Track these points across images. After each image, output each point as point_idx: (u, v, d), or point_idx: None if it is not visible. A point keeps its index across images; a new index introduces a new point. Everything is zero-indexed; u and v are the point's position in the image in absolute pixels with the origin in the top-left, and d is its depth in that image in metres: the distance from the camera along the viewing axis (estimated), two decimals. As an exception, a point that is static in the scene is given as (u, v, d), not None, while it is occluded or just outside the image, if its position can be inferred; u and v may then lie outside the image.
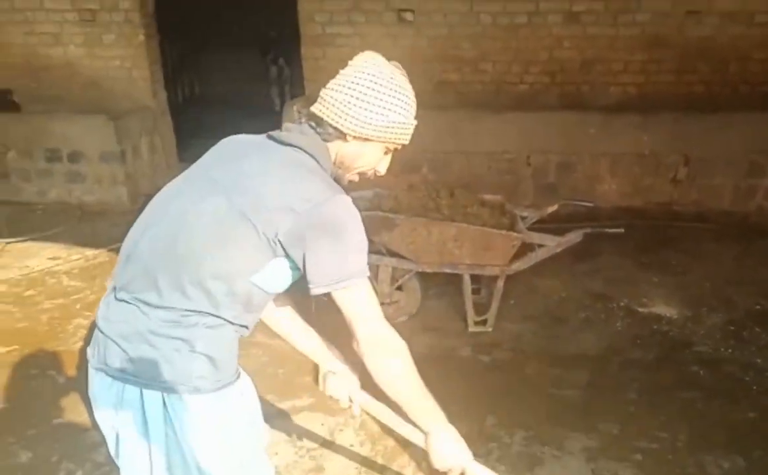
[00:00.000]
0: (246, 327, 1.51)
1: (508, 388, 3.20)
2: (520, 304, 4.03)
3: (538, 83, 6.02)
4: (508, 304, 3.91)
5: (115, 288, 1.47)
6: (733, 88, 5.81)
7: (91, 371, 1.50)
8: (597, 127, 5.57)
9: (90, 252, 4.86)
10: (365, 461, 2.69)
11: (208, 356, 1.42)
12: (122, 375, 1.41)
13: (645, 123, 5.52)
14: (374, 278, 3.63)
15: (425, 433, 1.62)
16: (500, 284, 3.60)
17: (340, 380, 1.84)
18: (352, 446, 2.78)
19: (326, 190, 1.40)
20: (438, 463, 1.62)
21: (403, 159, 5.32)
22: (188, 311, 1.39)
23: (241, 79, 10.06)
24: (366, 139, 1.51)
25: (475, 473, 1.64)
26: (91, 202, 5.95)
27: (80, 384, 2.95)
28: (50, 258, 4.79)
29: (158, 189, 1.58)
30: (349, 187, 1.54)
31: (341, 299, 1.43)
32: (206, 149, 1.62)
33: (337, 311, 1.47)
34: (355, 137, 1.51)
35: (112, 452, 1.55)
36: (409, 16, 5.89)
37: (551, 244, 3.62)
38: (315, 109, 1.53)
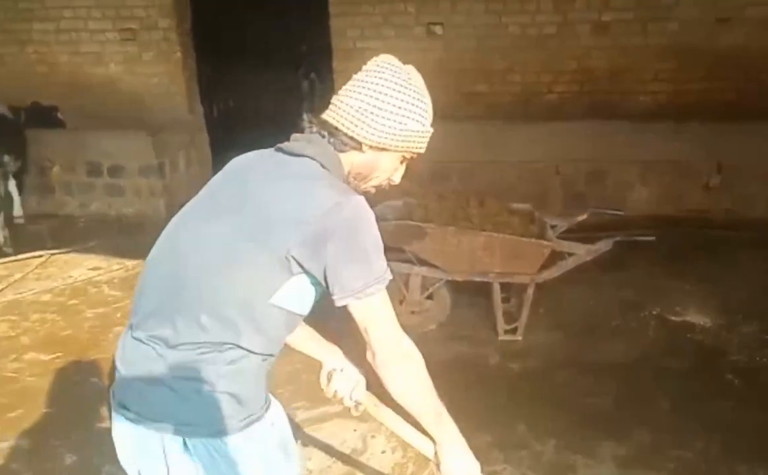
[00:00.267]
0: (272, 355, 1.42)
1: (538, 396, 3.19)
2: (549, 312, 4.03)
3: (567, 93, 6.05)
4: (538, 312, 3.91)
5: (131, 326, 1.39)
6: (766, 96, 5.74)
7: (113, 413, 1.41)
8: (627, 136, 5.56)
9: (129, 262, 5.01)
10: (397, 467, 2.71)
11: (231, 393, 1.32)
12: (141, 419, 1.33)
13: (676, 131, 5.49)
14: (404, 286, 3.68)
15: (435, 443, 1.55)
16: (530, 292, 3.61)
17: (346, 379, 1.75)
18: (383, 452, 2.80)
19: (336, 194, 1.31)
20: (445, 472, 1.54)
21: (432, 169, 5.43)
22: (207, 345, 1.29)
23: (273, 94, 10.25)
24: (383, 149, 1.43)
25: None
26: (130, 214, 6.15)
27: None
28: (91, 269, 4.96)
29: None
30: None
31: (358, 306, 1.33)
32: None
33: (340, 312, 1.36)
34: (371, 147, 1.42)
35: None
36: (438, 29, 5.98)
37: (581, 252, 3.62)
38: (327, 117, 1.44)
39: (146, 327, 1.34)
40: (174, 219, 1.46)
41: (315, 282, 1.34)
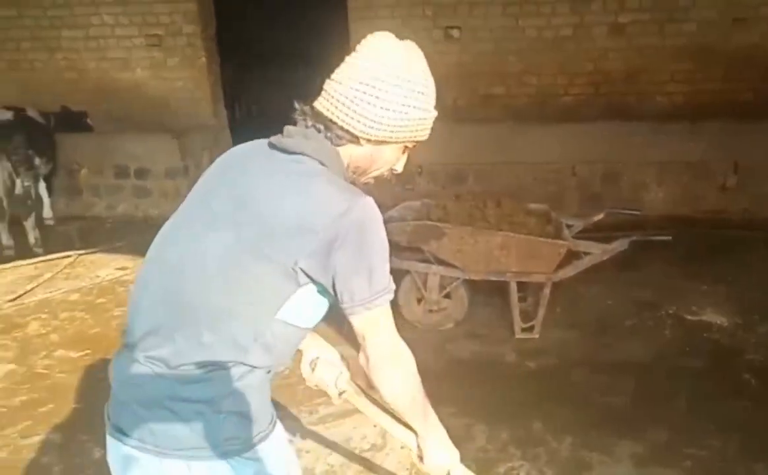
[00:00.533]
0: (278, 369, 1.35)
1: (554, 394, 3.22)
2: (566, 311, 4.05)
3: (583, 94, 6.06)
4: (554, 311, 3.94)
5: (126, 346, 1.29)
6: (783, 95, 5.72)
7: (108, 437, 1.31)
8: (643, 136, 5.56)
9: (155, 262, 5.11)
10: (415, 464, 2.77)
11: (237, 412, 1.23)
12: (140, 444, 1.22)
13: (693, 131, 5.48)
14: (423, 285, 3.75)
15: (418, 435, 1.52)
16: (546, 291, 3.64)
17: (330, 368, 1.66)
18: (403, 448, 2.78)
19: (342, 197, 1.21)
20: (429, 464, 1.52)
21: (450, 170, 5.48)
22: (210, 364, 1.21)
23: (295, 97, 10.39)
24: (382, 142, 1.30)
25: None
26: (156, 215, 6.26)
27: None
28: (118, 268, 5.07)
29: None
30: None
31: (364, 315, 1.27)
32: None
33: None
34: (369, 140, 1.30)
35: None
36: (455, 33, 6.03)
37: (597, 251, 3.65)
38: (320, 106, 1.30)
39: (144, 347, 1.24)
40: (163, 231, 1.34)
41: (322, 290, 1.25)
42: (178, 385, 1.21)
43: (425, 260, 3.68)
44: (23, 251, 5.38)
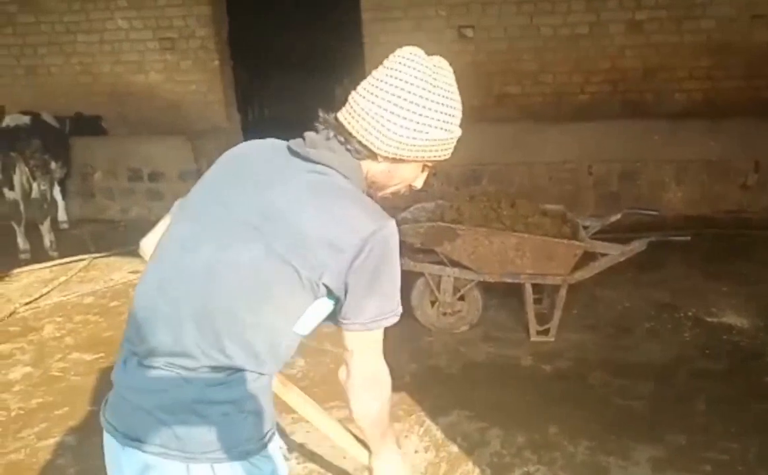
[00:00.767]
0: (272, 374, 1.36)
1: (570, 397, 3.18)
2: (582, 314, 4.01)
3: (600, 93, 6.01)
4: (571, 314, 3.89)
5: (136, 353, 1.27)
6: (805, 92, 5.62)
7: (113, 445, 1.29)
8: (661, 135, 5.50)
9: (169, 265, 5.14)
10: (429, 467, 2.72)
11: (255, 412, 1.26)
12: (164, 451, 1.21)
13: (712, 129, 5.41)
14: (436, 288, 3.72)
15: (372, 453, 1.55)
16: (562, 293, 3.60)
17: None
18: (416, 452, 2.82)
19: (370, 219, 1.21)
20: None
21: (464, 171, 5.45)
22: (231, 369, 1.22)
23: (307, 100, 10.44)
24: (400, 160, 1.30)
25: None
26: (169, 219, 6.32)
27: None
28: (132, 271, 5.10)
29: None
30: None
31: (359, 334, 1.29)
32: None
33: None
34: (386, 158, 1.29)
35: None
36: (469, 32, 6.01)
37: (614, 253, 3.60)
38: (342, 119, 1.29)
39: (163, 353, 1.22)
40: (176, 235, 1.30)
41: (334, 302, 1.26)
42: (206, 388, 1.21)
43: (439, 262, 3.65)
44: (39, 255, 5.43)
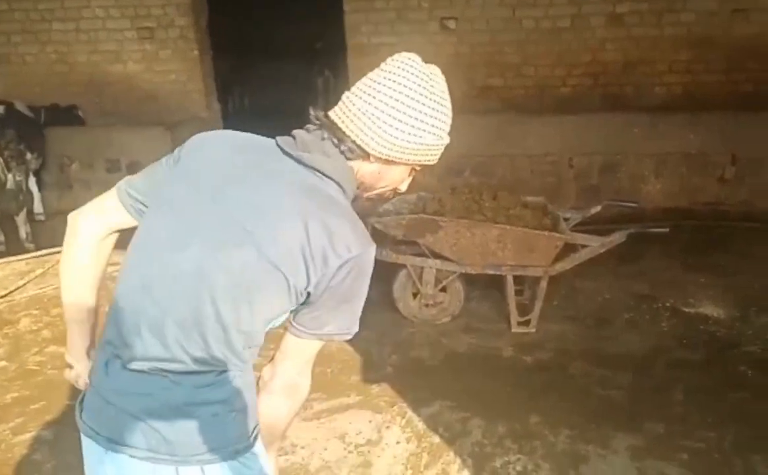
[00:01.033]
0: None
1: (551, 387, 3.22)
2: (563, 305, 4.04)
3: (581, 86, 6.04)
4: (551, 305, 3.93)
5: (119, 356, 1.24)
6: (783, 86, 5.70)
7: (95, 449, 1.27)
8: (641, 128, 5.55)
9: (148, 257, 5.09)
10: (411, 457, 2.74)
11: (243, 409, 1.26)
12: (152, 455, 1.20)
13: (691, 122, 5.47)
14: (418, 279, 3.72)
15: None
16: (543, 284, 3.62)
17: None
18: (398, 442, 2.84)
19: (358, 242, 1.23)
20: None
21: (446, 163, 5.42)
22: (218, 369, 1.23)
23: (288, 90, 10.35)
24: (391, 162, 1.31)
25: None
26: (148, 210, 6.25)
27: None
28: (110, 264, 5.04)
29: None
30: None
31: (305, 342, 1.29)
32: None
33: None
34: (378, 158, 1.29)
35: None
36: (452, 23, 6.00)
37: (594, 244, 3.63)
38: (336, 118, 1.29)
39: (148, 356, 1.21)
40: (159, 233, 1.26)
41: (305, 303, 1.27)
42: (195, 389, 1.22)
43: (421, 254, 3.65)
44: (14, 247, 5.36)
